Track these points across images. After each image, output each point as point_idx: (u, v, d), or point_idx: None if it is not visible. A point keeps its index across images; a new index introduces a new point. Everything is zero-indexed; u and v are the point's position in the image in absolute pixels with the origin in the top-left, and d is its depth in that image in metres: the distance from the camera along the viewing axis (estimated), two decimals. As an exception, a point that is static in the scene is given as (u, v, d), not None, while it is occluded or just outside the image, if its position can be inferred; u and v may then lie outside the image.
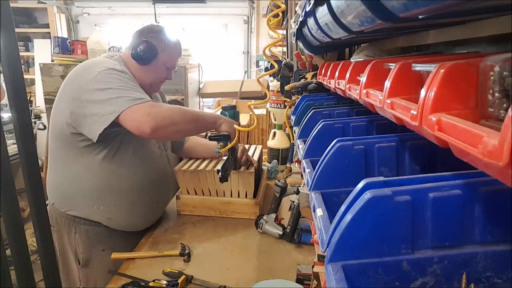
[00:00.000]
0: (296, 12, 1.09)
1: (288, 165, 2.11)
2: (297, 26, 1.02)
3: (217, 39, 4.77)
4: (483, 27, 0.53)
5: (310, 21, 0.80)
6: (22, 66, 1.96)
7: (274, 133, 2.27)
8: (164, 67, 1.50)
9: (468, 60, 0.31)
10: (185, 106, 2.62)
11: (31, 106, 3.45)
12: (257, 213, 1.59)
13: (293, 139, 1.43)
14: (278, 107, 2.18)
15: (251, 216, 1.59)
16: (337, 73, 0.71)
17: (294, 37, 1.13)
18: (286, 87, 1.50)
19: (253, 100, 2.64)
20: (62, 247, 1.52)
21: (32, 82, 4.42)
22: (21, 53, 2.14)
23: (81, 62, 1.51)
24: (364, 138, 0.57)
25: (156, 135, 1.29)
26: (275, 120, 2.25)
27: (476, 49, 0.65)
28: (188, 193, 1.64)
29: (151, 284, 1.14)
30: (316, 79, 1.10)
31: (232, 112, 1.55)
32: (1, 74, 1.49)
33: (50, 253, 1.60)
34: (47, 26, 4.55)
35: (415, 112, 0.33)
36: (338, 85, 0.68)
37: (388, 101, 0.40)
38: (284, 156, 2.26)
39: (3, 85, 1.50)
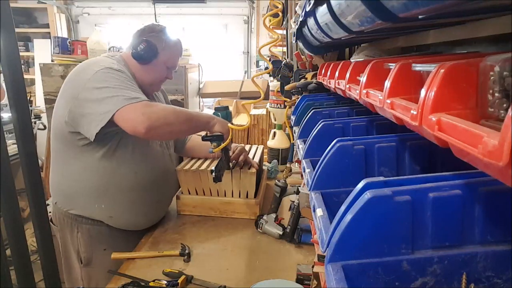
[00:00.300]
0: (296, 12, 1.09)
1: (288, 165, 2.11)
2: (297, 26, 1.02)
3: (217, 39, 4.77)
4: (483, 27, 0.53)
5: (310, 21, 0.80)
6: (22, 66, 1.96)
7: (274, 133, 2.27)
8: (164, 67, 1.50)
9: (468, 60, 0.31)
10: (185, 106, 2.62)
11: (31, 106, 3.45)
12: (257, 213, 1.59)
13: (293, 139, 1.43)
14: (278, 107, 2.18)
15: (251, 216, 1.59)
16: (337, 73, 0.71)
17: (294, 37, 1.13)
18: (286, 87, 1.50)
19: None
20: (65, 246, 1.52)
21: (32, 82, 4.42)
22: (21, 53, 2.14)
23: (81, 62, 1.51)
24: (364, 138, 0.57)
25: (150, 134, 1.29)
26: (275, 120, 2.25)
27: (476, 49, 0.65)
28: (189, 193, 1.64)
29: (151, 284, 1.14)
30: (316, 79, 1.10)
31: (225, 113, 1.55)
32: (1, 74, 1.49)
33: (50, 253, 1.60)
34: (47, 26, 4.55)
35: (415, 112, 0.33)
36: (338, 85, 0.68)
37: (388, 101, 0.40)
38: (284, 156, 2.25)
39: (3, 85, 1.50)
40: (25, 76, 3.21)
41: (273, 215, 1.49)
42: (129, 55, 1.45)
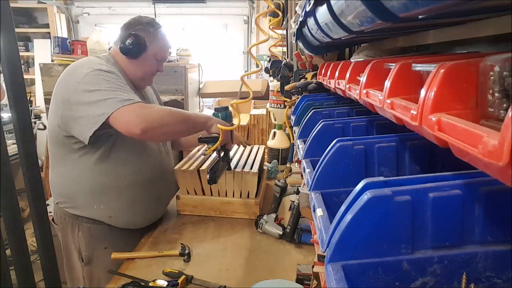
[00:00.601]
0: (296, 12, 1.09)
1: (288, 165, 2.11)
2: (297, 26, 1.02)
3: (217, 39, 4.77)
4: (483, 27, 0.53)
5: (310, 21, 0.80)
6: (22, 66, 1.96)
7: (274, 133, 2.27)
8: (154, 60, 1.47)
9: (468, 60, 0.31)
10: (185, 107, 2.62)
11: (31, 106, 3.45)
12: (257, 213, 1.59)
13: (293, 139, 1.43)
14: (278, 107, 2.18)
15: (251, 216, 1.59)
16: (337, 73, 0.71)
17: (294, 37, 1.13)
18: (286, 87, 1.50)
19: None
20: (66, 245, 1.53)
21: (32, 82, 4.42)
22: (21, 53, 2.14)
23: (81, 62, 1.50)
24: (364, 138, 0.57)
25: (146, 136, 1.29)
26: (275, 120, 2.25)
27: (476, 49, 0.65)
28: (188, 193, 1.64)
29: (151, 284, 1.14)
30: (316, 79, 1.10)
31: (225, 113, 1.54)
32: (1, 74, 1.49)
33: (50, 253, 1.61)
34: (47, 26, 4.55)
35: (415, 112, 0.33)
36: (338, 85, 0.68)
37: (388, 101, 0.40)
38: (284, 156, 2.26)
39: (3, 85, 1.50)
40: (25, 76, 3.21)
41: (273, 215, 1.49)
42: (118, 51, 1.43)
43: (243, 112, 2.95)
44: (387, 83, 0.42)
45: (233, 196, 1.62)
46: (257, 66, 1.61)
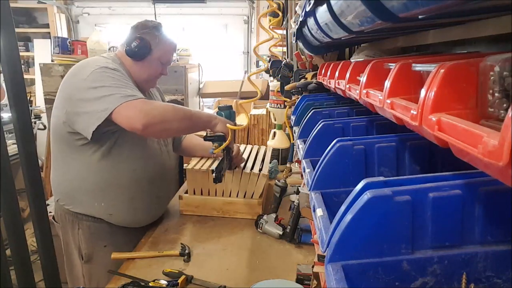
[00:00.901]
0: (296, 12, 1.08)
1: (288, 165, 2.10)
2: (297, 26, 1.02)
3: (217, 39, 4.77)
4: (483, 27, 0.53)
5: (310, 21, 0.80)
6: (22, 66, 1.96)
7: (274, 133, 2.27)
8: (159, 63, 1.50)
9: (468, 60, 0.31)
10: (184, 106, 2.62)
11: (31, 106, 3.45)
12: (260, 213, 1.59)
13: (293, 139, 1.43)
14: (278, 107, 2.18)
15: (253, 216, 1.59)
16: (337, 73, 0.71)
17: (294, 37, 1.13)
18: (286, 87, 1.50)
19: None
20: (66, 243, 1.53)
21: (32, 82, 4.42)
22: (21, 53, 2.14)
23: (81, 62, 1.51)
24: (364, 138, 0.57)
25: (147, 132, 1.30)
26: (275, 120, 2.25)
27: (476, 49, 0.65)
28: (194, 193, 1.64)
29: (151, 284, 1.14)
30: (316, 79, 1.09)
31: (228, 112, 1.54)
32: (1, 74, 1.49)
33: (50, 253, 1.61)
34: (47, 26, 4.55)
35: (415, 112, 0.33)
36: (338, 85, 0.68)
37: (388, 101, 0.40)
38: (284, 156, 2.25)
39: (3, 85, 1.50)
40: (25, 76, 3.20)
41: (273, 215, 1.49)
42: (124, 53, 1.46)
43: (242, 112, 2.95)
44: (387, 83, 0.42)
45: (237, 196, 1.62)
46: (257, 65, 1.61)
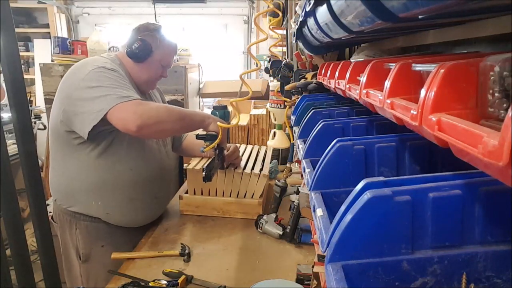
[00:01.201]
0: (296, 12, 1.08)
1: (288, 165, 2.10)
2: (297, 26, 1.02)
3: (217, 39, 4.77)
4: (483, 27, 0.53)
5: (310, 21, 0.80)
6: (22, 66, 1.96)
7: (274, 133, 2.27)
8: (159, 65, 1.51)
9: (468, 60, 0.31)
10: (185, 106, 2.62)
11: (31, 106, 3.45)
12: (260, 213, 1.59)
13: (293, 139, 1.43)
14: (278, 107, 2.18)
15: (253, 216, 1.59)
16: (337, 73, 0.71)
17: (294, 37, 1.13)
18: (286, 87, 1.50)
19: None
20: (64, 243, 1.53)
21: (32, 82, 4.42)
22: (21, 53, 2.15)
23: (81, 62, 1.51)
24: (364, 138, 0.57)
25: (142, 133, 1.30)
26: (275, 120, 2.25)
27: (476, 49, 0.65)
28: (195, 193, 1.64)
29: (151, 284, 1.14)
30: (316, 79, 1.09)
31: (223, 112, 1.55)
32: (1, 74, 1.49)
33: (50, 253, 1.61)
34: (47, 26, 4.55)
35: (415, 112, 0.33)
36: (338, 85, 0.68)
37: (388, 101, 0.40)
38: (284, 156, 2.25)
39: (3, 85, 1.50)
40: (25, 76, 3.20)
41: (273, 215, 1.49)
42: (125, 54, 1.47)
43: (243, 112, 2.95)
44: (387, 83, 0.41)
45: (237, 197, 1.62)
46: (257, 65, 1.61)
